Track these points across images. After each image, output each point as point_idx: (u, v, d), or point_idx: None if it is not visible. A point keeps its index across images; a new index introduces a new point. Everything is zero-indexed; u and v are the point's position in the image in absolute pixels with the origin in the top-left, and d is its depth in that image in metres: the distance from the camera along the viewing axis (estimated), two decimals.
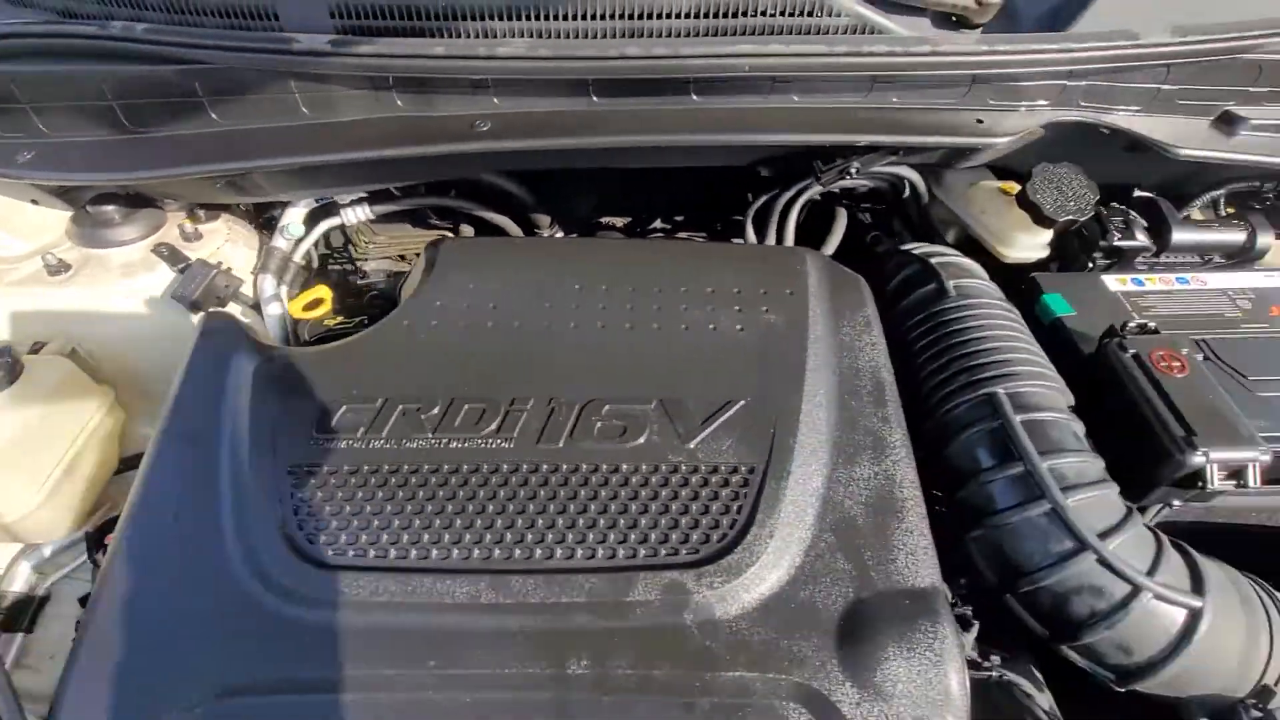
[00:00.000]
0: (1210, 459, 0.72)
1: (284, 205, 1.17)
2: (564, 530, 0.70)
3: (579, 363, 0.84)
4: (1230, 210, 1.15)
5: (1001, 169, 1.14)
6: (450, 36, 0.90)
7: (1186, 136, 1.01)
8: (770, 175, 1.11)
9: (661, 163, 1.06)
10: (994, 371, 0.81)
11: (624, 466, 0.74)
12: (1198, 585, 0.67)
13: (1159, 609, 0.67)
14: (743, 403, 0.79)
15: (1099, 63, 0.92)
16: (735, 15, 0.88)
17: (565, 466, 0.74)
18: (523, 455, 0.75)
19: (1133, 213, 1.08)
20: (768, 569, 0.69)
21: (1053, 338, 0.93)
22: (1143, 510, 0.81)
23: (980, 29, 0.98)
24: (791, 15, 0.88)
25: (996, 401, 0.78)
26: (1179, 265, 1.08)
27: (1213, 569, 0.70)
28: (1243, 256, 1.08)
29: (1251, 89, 1.00)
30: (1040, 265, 1.11)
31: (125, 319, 1.08)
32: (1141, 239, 1.05)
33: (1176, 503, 0.80)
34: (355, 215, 1.22)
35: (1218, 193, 1.13)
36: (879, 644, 0.64)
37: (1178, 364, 0.80)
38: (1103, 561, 0.67)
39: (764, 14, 0.88)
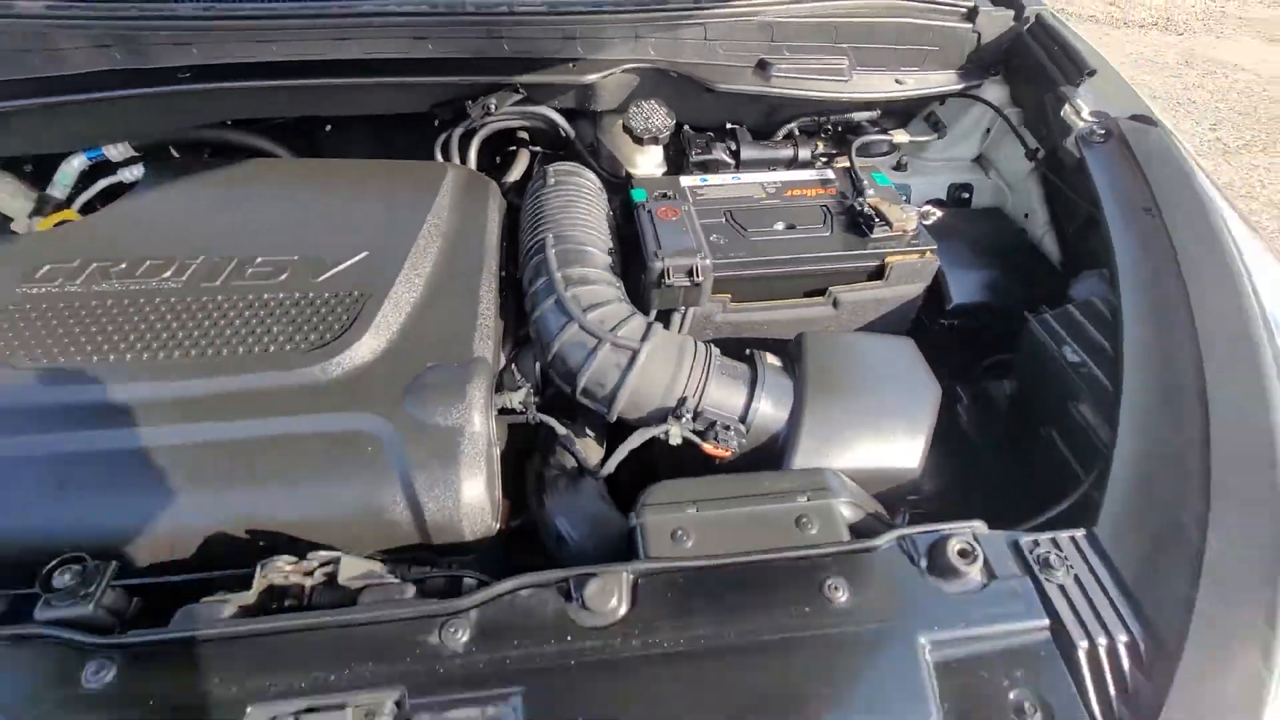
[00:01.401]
0: (665, 262, 1.08)
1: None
2: (213, 337, 0.98)
3: (250, 234, 1.13)
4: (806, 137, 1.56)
5: None
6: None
7: (734, 78, 1.41)
8: (449, 118, 1.44)
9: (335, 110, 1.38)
10: (548, 223, 1.16)
11: (265, 296, 1.03)
12: (644, 339, 1.02)
13: (613, 353, 1.01)
14: (365, 254, 1.10)
15: (643, 21, 1.30)
16: None
17: (220, 298, 1.03)
18: (187, 291, 1.03)
19: (730, 141, 1.48)
20: (359, 353, 0.98)
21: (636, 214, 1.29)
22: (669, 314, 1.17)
23: None
24: None
25: (546, 239, 1.12)
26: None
27: (665, 332, 1.05)
28: (793, 166, 1.48)
29: (773, 43, 1.41)
30: None
31: None
32: (719, 155, 1.44)
33: (686, 308, 1.17)
34: (132, 174, 1.47)
35: (791, 125, 1.55)
36: (432, 392, 0.95)
37: (672, 214, 1.17)
38: (581, 325, 1.01)
39: None
